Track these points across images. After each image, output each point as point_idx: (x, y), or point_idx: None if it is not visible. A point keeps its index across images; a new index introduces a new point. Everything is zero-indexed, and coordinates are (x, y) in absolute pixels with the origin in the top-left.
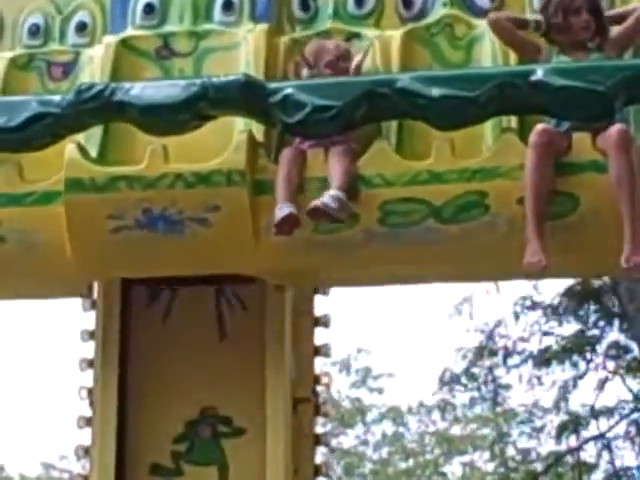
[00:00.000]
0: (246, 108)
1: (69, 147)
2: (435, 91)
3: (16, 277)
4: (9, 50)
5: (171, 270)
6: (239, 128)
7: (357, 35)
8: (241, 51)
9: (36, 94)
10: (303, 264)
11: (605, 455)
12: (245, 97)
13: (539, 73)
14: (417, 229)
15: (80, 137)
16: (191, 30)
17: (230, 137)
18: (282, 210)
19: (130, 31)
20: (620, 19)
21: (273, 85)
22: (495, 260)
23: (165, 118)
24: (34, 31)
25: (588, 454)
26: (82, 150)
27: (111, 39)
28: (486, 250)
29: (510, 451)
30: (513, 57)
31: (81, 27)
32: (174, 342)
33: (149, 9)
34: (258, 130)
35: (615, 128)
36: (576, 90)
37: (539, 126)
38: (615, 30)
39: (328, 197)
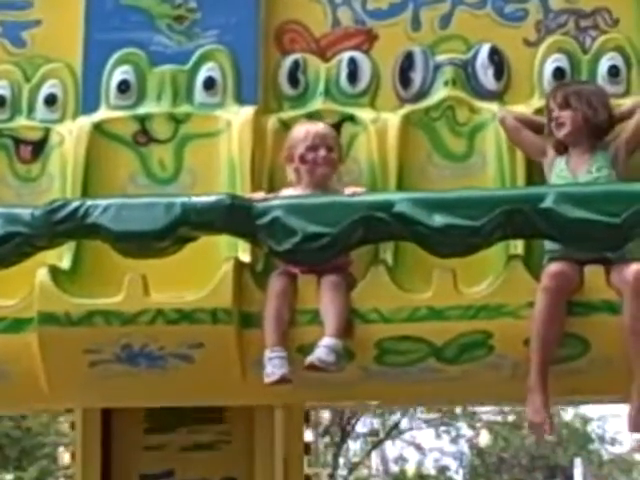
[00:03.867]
0: (231, 231)
1: (40, 272)
2: (437, 219)
3: None
4: None
5: (152, 402)
6: (224, 252)
7: (351, 118)
8: (225, 137)
9: (3, 206)
10: (295, 399)
11: None
12: (230, 220)
13: (549, 200)
14: (416, 368)
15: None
16: (170, 112)
17: (215, 261)
18: (273, 366)
19: (104, 111)
20: (628, 114)
21: (260, 206)
22: (497, 400)
23: (143, 245)
24: (0, 102)
25: None
26: (54, 274)
27: (84, 121)
28: (488, 391)
29: None
30: (520, 151)
31: (51, 100)
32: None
33: (124, 87)
34: (244, 249)
35: (633, 269)
36: (589, 222)
37: (552, 267)
38: (627, 127)
39: (323, 350)
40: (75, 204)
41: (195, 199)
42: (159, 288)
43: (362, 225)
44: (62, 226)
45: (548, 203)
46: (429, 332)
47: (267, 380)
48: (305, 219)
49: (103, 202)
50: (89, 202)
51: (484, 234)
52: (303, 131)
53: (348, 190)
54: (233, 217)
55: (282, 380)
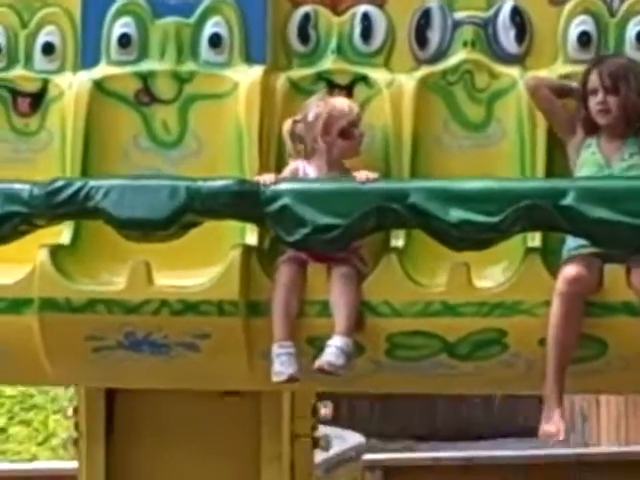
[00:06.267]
0: (238, 216)
1: (41, 253)
2: (453, 214)
3: None
4: None
5: (156, 385)
6: (231, 232)
7: (364, 79)
8: (232, 99)
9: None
10: (303, 388)
11: None
12: (237, 206)
13: (570, 197)
14: (428, 363)
15: None
16: (174, 70)
17: (221, 242)
18: (281, 363)
19: (105, 67)
20: None
21: (269, 192)
22: (511, 392)
23: (146, 232)
24: None
25: None
26: (54, 253)
27: (84, 77)
28: (502, 385)
29: None
30: (541, 121)
31: (49, 49)
32: None
33: (126, 41)
34: (251, 229)
35: None
36: (610, 223)
37: (569, 270)
38: None
39: (333, 351)
40: (76, 185)
41: (201, 184)
42: (163, 268)
43: (375, 216)
44: (62, 209)
45: (569, 200)
46: (442, 328)
47: (275, 379)
48: (315, 209)
49: (105, 183)
50: (91, 183)
51: (501, 230)
52: (347, 105)
53: (360, 175)
54: (240, 203)
55: (290, 380)
